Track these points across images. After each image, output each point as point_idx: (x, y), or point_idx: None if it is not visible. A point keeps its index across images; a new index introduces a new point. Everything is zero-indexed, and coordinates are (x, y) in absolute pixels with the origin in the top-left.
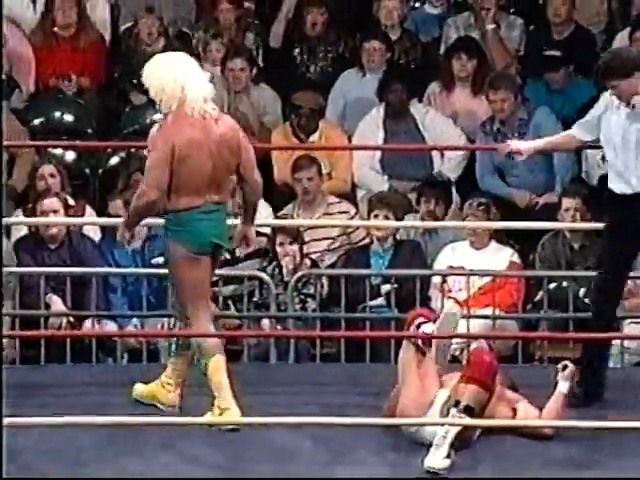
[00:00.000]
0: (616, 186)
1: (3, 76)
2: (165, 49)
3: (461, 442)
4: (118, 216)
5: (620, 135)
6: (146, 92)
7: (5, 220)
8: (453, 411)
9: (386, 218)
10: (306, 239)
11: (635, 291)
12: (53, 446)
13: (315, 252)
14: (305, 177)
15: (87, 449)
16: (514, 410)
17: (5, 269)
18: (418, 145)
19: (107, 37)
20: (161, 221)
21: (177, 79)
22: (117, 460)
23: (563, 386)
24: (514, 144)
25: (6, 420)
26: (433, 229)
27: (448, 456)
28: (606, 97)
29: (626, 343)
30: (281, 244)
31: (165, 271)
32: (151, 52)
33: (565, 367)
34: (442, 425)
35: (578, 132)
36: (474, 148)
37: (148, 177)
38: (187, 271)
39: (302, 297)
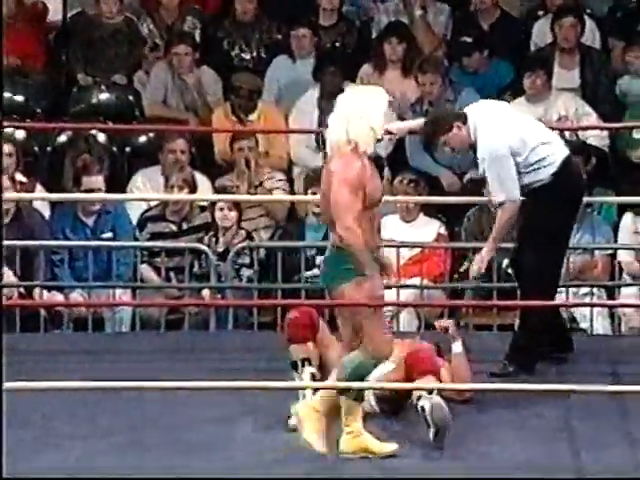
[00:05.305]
0: None
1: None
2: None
3: (395, 407)
4: (92, 190)
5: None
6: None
7: None
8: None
9: None
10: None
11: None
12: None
13: (250, 219)
14: (246, 146)
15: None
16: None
17: None
18: None
19: (55, 20)
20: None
21: None
22: None
23: (456, 346)
24: (390, 125)
25: None
26: None
27: None
28: None
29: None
30: (221, 209)
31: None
32: (111, 27)
33: (446, 329)
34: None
35: None
36: None
37: None
38: None
39: (237, 267)
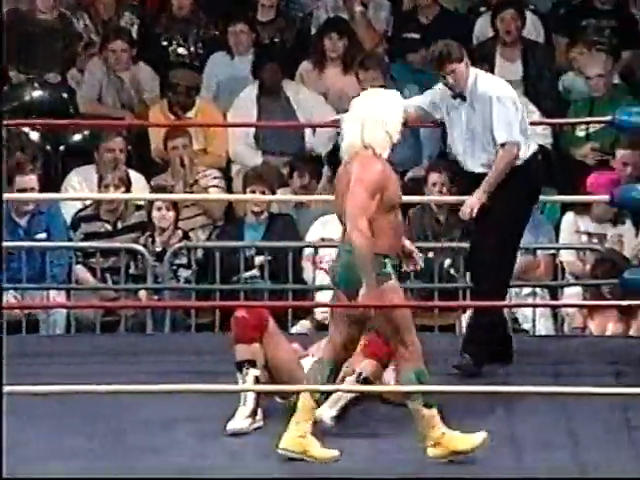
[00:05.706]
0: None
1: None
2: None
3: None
4: (25, 190)
5: (461, 127)
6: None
7: None
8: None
9: (262, 193)
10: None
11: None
12: None
13: (186, 218)
14: (181, 144)
15: None
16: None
17: None
18: (290, 123)
19: None
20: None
21: None
22: None
23: None
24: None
25: None
26: (305, 202)
27: (251, 416)
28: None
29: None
30: (159, 209)
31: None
32: (44, 23)
33: None
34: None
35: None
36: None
37: None
38: None
39: (175, 267)
